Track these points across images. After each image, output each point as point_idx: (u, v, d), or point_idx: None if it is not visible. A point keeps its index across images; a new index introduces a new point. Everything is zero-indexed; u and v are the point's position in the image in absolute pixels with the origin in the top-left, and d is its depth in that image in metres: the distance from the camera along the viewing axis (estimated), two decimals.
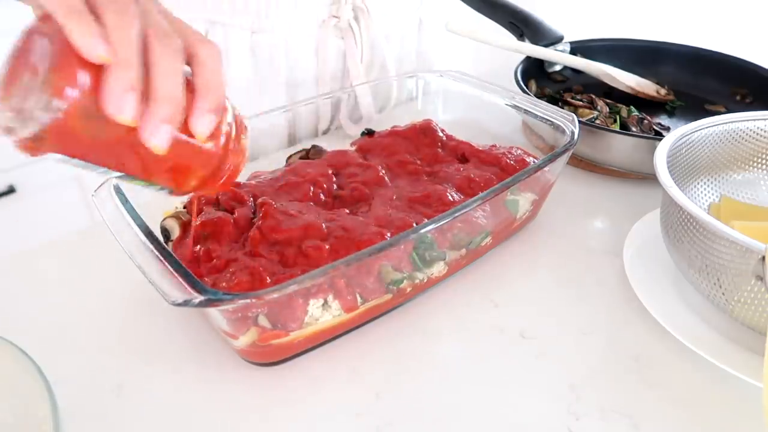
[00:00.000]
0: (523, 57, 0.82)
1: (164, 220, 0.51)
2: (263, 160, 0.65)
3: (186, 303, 0.38)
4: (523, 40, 0.84)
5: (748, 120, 0.57)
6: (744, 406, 0.44)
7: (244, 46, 0.70)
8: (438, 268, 0.50)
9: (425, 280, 0.51)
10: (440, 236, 0.49)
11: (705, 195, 0.58)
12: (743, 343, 0.46)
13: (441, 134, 0.63)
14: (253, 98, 0.72)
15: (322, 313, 0.44)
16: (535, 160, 0.58)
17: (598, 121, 0.72)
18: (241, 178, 0.51)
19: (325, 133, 0.76)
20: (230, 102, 0.38)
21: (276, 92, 0.73)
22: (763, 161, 0.58)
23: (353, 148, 0.63)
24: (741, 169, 0.59)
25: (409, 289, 0.50)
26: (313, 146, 0.62)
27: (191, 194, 0.40)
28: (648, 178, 0.67)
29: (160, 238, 0.45)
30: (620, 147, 0.65)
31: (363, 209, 0.53)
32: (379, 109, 0.75)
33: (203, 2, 0.68)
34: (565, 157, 0.56)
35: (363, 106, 0.72)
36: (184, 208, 0.53)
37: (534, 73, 0.83)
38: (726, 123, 0.57)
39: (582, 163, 0.70)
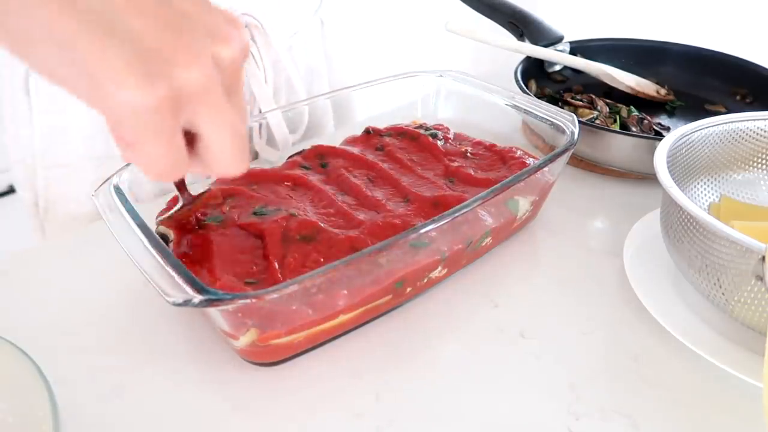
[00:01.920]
0: (523, 57, 0.82)
1: (158, 227, 0.51)
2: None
3: (186, 303, 0.38)
4: (523, 40, 0.84)
5: (748, 120, 0.58)
6: (744, 406, 0.44)
7: None
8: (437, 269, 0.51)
9: (425, 281, 0.51)
10: (440, 236, 0.49)
11: (705, 195, 0.58)
12: (743, 343, 0.46)
13: (439, 141, 0.63)
14: None
15: None
16: (535, 160, 0.58)
17: (598, 121, 0.72)
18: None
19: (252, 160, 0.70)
20: None
21: None
22: (763, 161, 0.58)
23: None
24: (741, 169, 0.59)
25: (409, 290, 0.50)
26: (313, 147, 0.62)
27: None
28: (648, 178, 0.67)
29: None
30: (620, 147, 0.66)
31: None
32: (293, 131, 0.69)
33: None
34: (565, 157, 0.56)
35: (276, 133, 0.67)
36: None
37: (534, 73, 0.83)
38: (726, 123, 0.57)
39: (582, 163, 0.70)
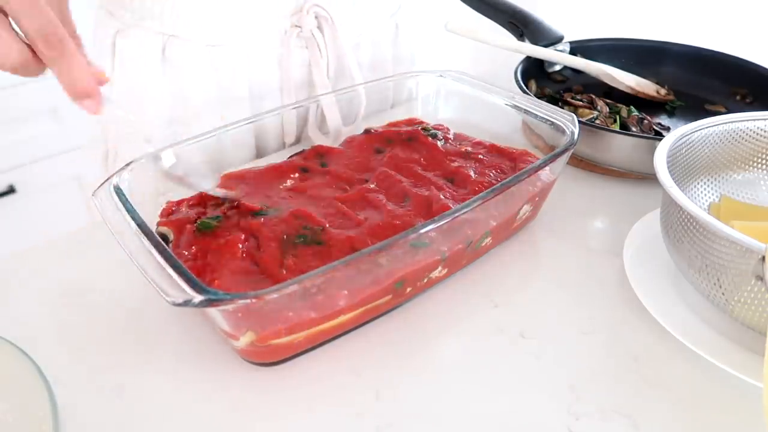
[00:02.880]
0: (523, 57, 0.82)
1: (158, 227, 0.51)
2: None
3: (186, 303, 0.38)
4: (523, 40, 0.84)
5: (748, 120, 0.58)
6: (744, 406, 0.44)
7: (204, 61, 0.68)
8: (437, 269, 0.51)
9: (425, 281, 0.51)
10: (440, 236, 0.49)
11: (705, 195, 0.58)
12: (743, 343, 0.46)
13: (439, 141, 0.63)
14: (217, 112, 0.70)
15: None
16: (535, 160, 0.58)
17: (598, 121, 0.72)
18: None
19: (293, 145, 0.73)
20: None
21: (240, 105, 0.71)
22: (763, 161, 0.58)
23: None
24: (741, 169, 0.59)
25: (409, 290, 0.50)
26: (313, 147, 0.62)
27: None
28: (648, 178, 0.67)
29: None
30: (620, 147, 0.65)
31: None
32: (351, 121, 0.71)
33: (160, 16, 0.67)
34: (565, 157, 0.56)
35: (329, 119, 0.69)
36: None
37: (534, 73, 0.83)
38: (726, 123, 0.57)
39: (582, 163, 0.70)
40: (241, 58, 0.69)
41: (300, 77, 0.72)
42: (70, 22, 0.44)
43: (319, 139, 0.70)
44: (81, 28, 0.48)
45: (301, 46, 0.70)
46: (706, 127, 0.57)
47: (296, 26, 0.69)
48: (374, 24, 0.77)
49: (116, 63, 0.71)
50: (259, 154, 0.73)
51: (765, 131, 0.58)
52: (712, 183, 0.58)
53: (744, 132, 0.58)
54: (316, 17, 0.69)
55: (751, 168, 0.59)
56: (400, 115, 0.70)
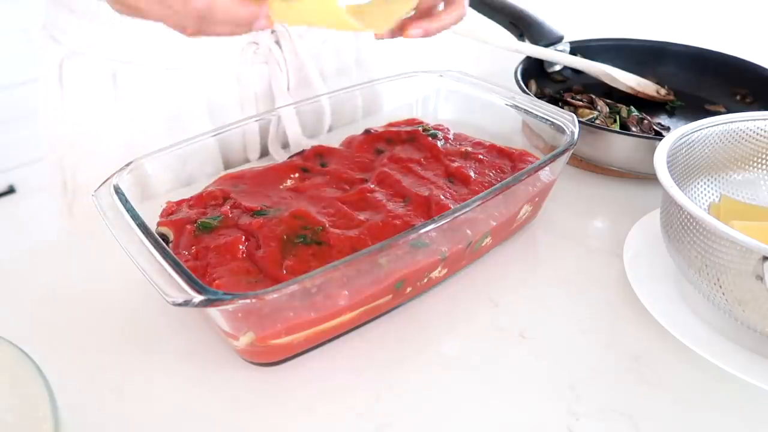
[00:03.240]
0: (523, 57, 0.82)
1: (158, 227, 0.51)
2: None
3: (186, 303, 0.38)
4: (523, 40, 0.84)
5: (748, 120, 0.58)
6: (744, 405, 0.44)
7: (160, 84, 0.67)
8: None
9: (425, 281, 0.51)
10: (440, 236, 0.49)
11: (705, 195, 0.58)
12: (743, 343, 0.46)
13: (439, 141, 0.63)
14: (178, 131, 0.67)
15: None
16: (536, 160, 0.58)
17: (598, 121, 0.72)
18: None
19: (260, 158, 0.71)
20: None
21: (200, 123, 0.69)
22: (763, 161, 0.58)
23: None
24: (741, 169, 0.59)
25: (409, 290, 0.50)
26: (313, 147, 0.62)
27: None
28: (648, 178, 0.67)
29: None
30: (620, 147, 0.65)
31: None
32: (311, 134, 0.70)
33: (110, 43, 0.65)
34: (565, 157, 0.56)
35: (289, 132, 0.68)
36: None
37: (534, 73, 0.83)
38: (726, 123, 0.57)
39: (582, 163, 0.70)
40: (199, 77, 0.68)
41: (261, 91, 0.71)
42: None
43: (278, 155, 0.68)
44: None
45: (261, 61, 0.70)
46: (706, 127, 0.57)
47: (253, 43, 0.68)
48: (334, 32, 0.75)
49: (64, 89, 0.69)
50: (228, 166, 0.71)
51: (765, 131, 0.58)
52: (712, 183, 0.58)
53: (744, 132, 0.58)
54: (272, 32, 0.68)
55: (751, 168, 0.59)
56: (400, 115, 0.70)
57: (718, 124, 0.57)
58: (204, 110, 0.70)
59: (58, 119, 0.71)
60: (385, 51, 0.84)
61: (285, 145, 0.70)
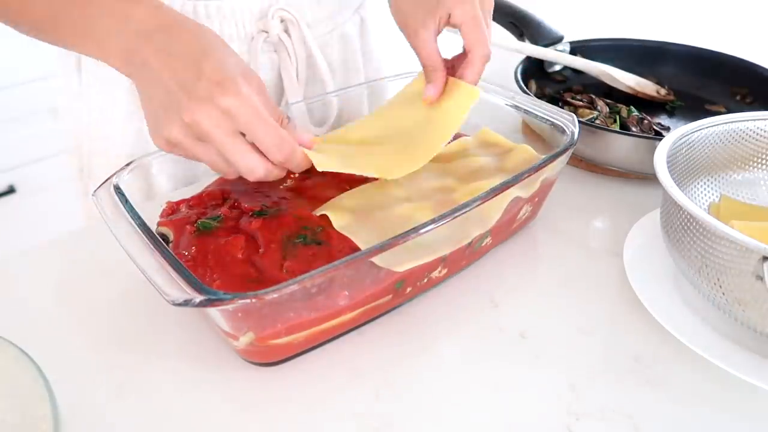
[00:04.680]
0: (523, 57, 0.82)
1: (158, 227, 0.51)
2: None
3: (186, 303, 0.38)
4: (523, 40, 0.84)
5: (748, 120, 0.57)
6: (744, 405, 0.44)
7: None
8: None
9: (425, 281, 0.51)
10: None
11: (705, 195, 0.58)
12: (743, 343, 0.46)
13: None
14: None
15: None
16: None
17: (598, 121, 0.72)
18: None
19: None
20: None
21: None
22: (763, 161, 0.58)
23: None
24: (741, 169, 0.59)
25: (409, 290, 0.50)
26: None
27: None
28: (648, 178, 0.67)
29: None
30: (620, 147, 0.65)
31: None
32: (319, 123, 0.71)
33: None
34: (565, 157, 0.56)
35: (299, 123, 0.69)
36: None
37: (534, 73, 0.83)
38: (726, 123, 0.57)
39: (582, 163, 0.70)
40: None
41: (270, 81, 0.72)
42: (277, 110, 0.47)
43: None
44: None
45: (270, 50, 0.70)
46: (706, 127, 0.57)
47: (263, 31, 0.68)
48: (341, 20, 0.76)
49: (83, 78, 0.70)
50: None
51: (765, 131, 0.58)
52: (712, 183, 0.58)
53: (744, 132, 0.58)
54: (282, 21, 0.68)
55: (751, 168, 0.59)
56: None
57: (718, 124, 0.57)
58: None
59: (76, 105, 0.72)
60: (390, 44, 0.85)
61: None
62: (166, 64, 0.43)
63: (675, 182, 0.48)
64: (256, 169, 0.44)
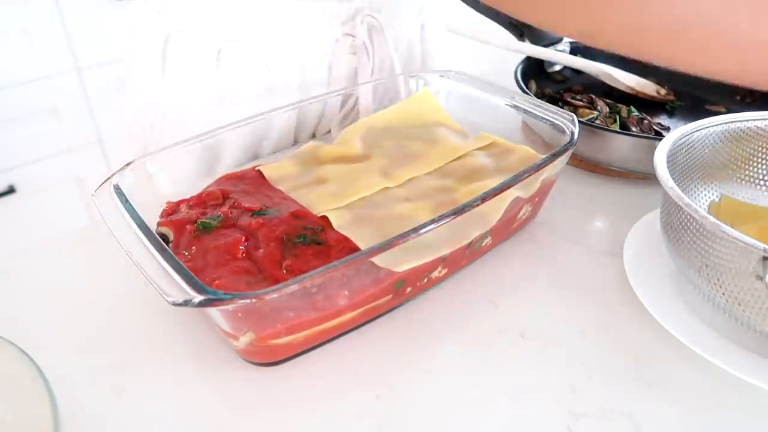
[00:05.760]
0: (523, 57, 0.82)
1: (158, 227, 0.51)
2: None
3: (186, 303, 0.38)
4: (523, 40, 0.84)
5: (748, 120, 0.57)
6: (744, 406, 0.44)
7: (255, 62, 0.70)
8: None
9: (425, 281, 0.51)
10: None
11: (705, 195, 0.58)
12: (743, 343, 0.46)
13: None
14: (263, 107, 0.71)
15: None
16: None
17: (598, 121, 0.72)
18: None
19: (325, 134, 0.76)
20: None
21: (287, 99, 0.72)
22: (763, 161, 0.58)
23: None
24: (741, 169, 0.59)
25: (409, 290, 0.50)
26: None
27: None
28: (648, 178, 0.67)
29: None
30: (620, 147, 0.65)
31: None
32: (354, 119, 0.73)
33: (218, 24, 0.68)
34: (565, 157, 0.56)
35: (362, 108, 0.71)
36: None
37: (534, 73, 0.83)
38: (726, 123, 0.57)
39: (582, 163, 0.70)
40: (293, 63, 0.70)
41: (346, 80, 0.74)
42: None
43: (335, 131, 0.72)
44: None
45: (350, 52, 0.72)
46: (706, 127, 0.57)
47: (349, 35, 0.70)
48: (408, 24, 0.79)
49: (167, 62, 0.71)
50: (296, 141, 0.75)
51: (765, 131, 0.58)
52: (712, 183, 0.58)
53: (744, 132, 0.58)
54: (368, 26, 0.71)
55: (751, 168, 0.59)
56: None
57: (718, 124, 0.57)
58: (295, 89, 0.72)
59: (155, 90, 0.73)
60: (447, 44, 0.87)
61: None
62: None
63: (675, 182, 0.48)
64: None
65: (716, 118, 0.57)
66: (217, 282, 0.44)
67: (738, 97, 0.81)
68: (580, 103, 0.76)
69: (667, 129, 0.72)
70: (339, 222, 0.50)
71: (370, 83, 0.70)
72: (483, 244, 0.54)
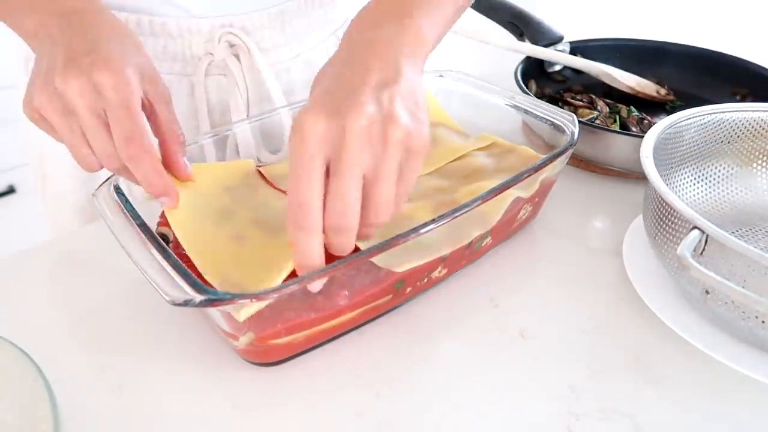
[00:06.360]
0: (523, 57, 0.82)
1: (159, 227, 0.51)
2: None
3: (186, 303, 0.38)
4: (523, 40, 0.84)
5: (733, 111, 0.58)
6: (747, 403, 0.44)
7: None
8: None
9: (425, 281, 0.51)
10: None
11: (689, 186, 0.59)
12: (746, 339, 0.46)
13: None
14: None
15: None
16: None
17: (598, 121, 0.72)
18: None
19: None
20: None
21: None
22: (751, 154, 0.59)
23: None
24: (724, 158, 0.59)
25: (409, 290, 0.50)
26: None
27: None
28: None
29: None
30: (620, 147, 0.65)
31: None
32: (275, 149, 0.65)
33: None
34: (565, 157, 0.56)
35: (241, 148, 0.63)
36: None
37: (534, 73, 0.83)
38: (710, 114, 0.58)
39: (582, 163, 0.70)
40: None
41: (217, 104, 0.67)
42: (172, 124, 0.47)
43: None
44: None
45: (218, 73, 0.65)
46: (693, 117, 0.58)
47: (210, 53, 0.64)
48: (311, 44, 0.71)
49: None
50: None
51: (750, 122, 0.58)
52: (698, 174, 0.59)
53: (729, 123, 0.58)
54: (231, 45, 0.64)
55: (739, 160, 0.59)
56: None
57: (703, 114, 0.58)
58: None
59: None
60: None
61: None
62: (66, 38, 0.44)
63: (661, 175, 0.49)
64: (101, 157, 0.44)
65: (700, 109, 0.59)
66: None
67: (738, 97, 0.81)
68: (580, 103, 0.76)
69: None
70: None
71: (246, 121, 0.62)
72: (483, 244, 0.54)
